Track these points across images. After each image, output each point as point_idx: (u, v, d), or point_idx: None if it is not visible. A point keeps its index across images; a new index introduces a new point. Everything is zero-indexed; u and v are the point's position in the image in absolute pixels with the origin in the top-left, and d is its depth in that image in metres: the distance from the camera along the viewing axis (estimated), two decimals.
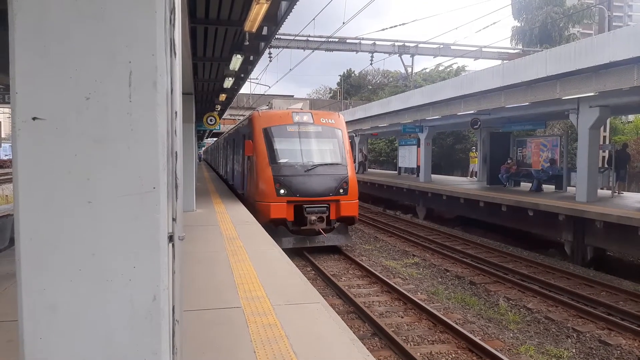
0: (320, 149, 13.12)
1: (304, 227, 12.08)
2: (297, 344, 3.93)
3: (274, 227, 11.76)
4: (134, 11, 1.87)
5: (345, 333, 4.25)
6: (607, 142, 21.11)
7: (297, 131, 13.00)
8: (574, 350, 7.01)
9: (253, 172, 12.98)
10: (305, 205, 12.07)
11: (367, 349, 4.09)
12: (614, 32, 12.46)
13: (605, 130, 21.45)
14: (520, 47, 38.20)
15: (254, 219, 11.31)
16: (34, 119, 1.81)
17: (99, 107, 1.86)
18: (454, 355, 6.58)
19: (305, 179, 12.26)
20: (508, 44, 39.95)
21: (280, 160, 12.51)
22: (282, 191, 12.01)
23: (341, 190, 12.45)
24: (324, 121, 13.45)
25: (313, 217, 12.00)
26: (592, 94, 13.05)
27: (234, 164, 18.54)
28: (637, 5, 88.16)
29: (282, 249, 8.02)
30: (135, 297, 1.90)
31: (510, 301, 9.09)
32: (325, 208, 12.25)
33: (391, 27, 59.68)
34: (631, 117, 31.58)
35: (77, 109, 1.84)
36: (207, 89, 16.26)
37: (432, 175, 24.88)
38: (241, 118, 25.20)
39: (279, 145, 12.76)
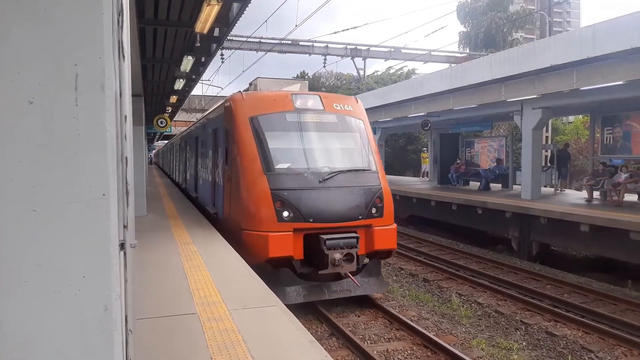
0: (338, 148, 8.99)
1: (323, 271, 7.81)
2: (255, 348, 3.90)
3: (272, 270, 7.70)
4: (80, 13, 1.81)
5: (304, 334, 4.26)
6: (550, 142, 22.14)
7: (302, 122, 8.76)
8: (523, 343, 7.32)
9: (236, 185, 8.65)
10: (324, 236, 7.74)
11: (325, 349, 4.11)
12: (555, 37, 13.10)
13: (547, 131, 22.47)
14: (468, 51, 39.46)
15: (207, 222, 10.38)
16: None
17: (44, 111, 1.79)
18: (409, 352, 6.73)
19: (320, 194, 8.09)
20: (456, 48, 41.29)
21: (280, 166, 8.27)
22: (285, 214, 7.80)
23: (374, 210, 8.34)
24: (339, 107, 9.21)
25: (338, 256, 7.63)
26: (534, 96, 13.68)
27: (199, 170, 13.66)
28: (575, 11, 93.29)
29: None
30: (86, 308, 1.84)
31: (462, 297, 9.38)
32: (355, 240, 7.90)
33: (343, 30, 60.74)
34: (571, 118, 33.30)
35: (20, 113, 1.77)
36: (157, 91, 15.85)
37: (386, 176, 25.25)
38: (194, 120, 24.13)
39: (276, 142, 8.54)
